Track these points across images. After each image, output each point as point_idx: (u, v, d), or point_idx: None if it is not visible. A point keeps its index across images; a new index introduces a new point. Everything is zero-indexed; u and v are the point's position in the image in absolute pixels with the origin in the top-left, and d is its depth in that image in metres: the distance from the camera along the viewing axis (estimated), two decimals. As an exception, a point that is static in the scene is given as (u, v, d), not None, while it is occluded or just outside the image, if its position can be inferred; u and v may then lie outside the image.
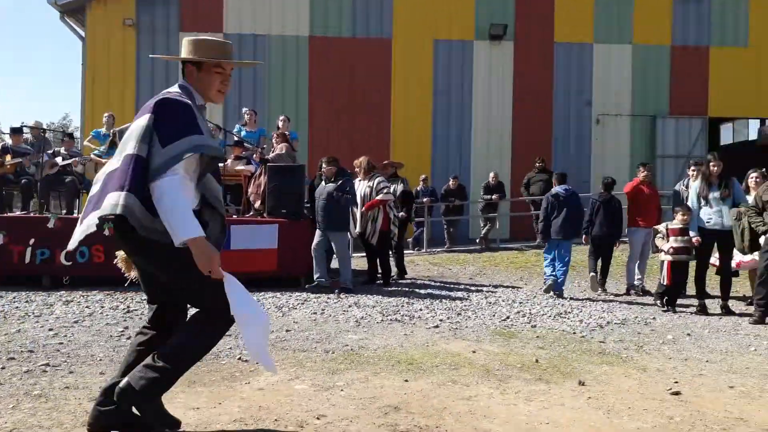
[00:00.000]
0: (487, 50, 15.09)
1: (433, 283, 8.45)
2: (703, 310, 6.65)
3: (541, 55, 15.04)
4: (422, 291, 7.67)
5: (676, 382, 3.92)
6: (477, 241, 13.10)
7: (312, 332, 5.13)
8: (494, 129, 15.12)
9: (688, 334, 5.55)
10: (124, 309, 5.97)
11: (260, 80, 14.71)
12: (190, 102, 2.64)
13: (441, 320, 5.87)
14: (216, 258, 2.51)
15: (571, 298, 7.46)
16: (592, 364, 4.36)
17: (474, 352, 4.64)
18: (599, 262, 8.08)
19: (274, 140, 8.67)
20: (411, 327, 5.54)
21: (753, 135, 20.35)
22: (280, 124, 9.64)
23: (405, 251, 9.26)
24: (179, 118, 2.57)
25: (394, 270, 8.75)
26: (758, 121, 19.17)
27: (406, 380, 3.79)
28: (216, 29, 14.45)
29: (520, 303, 7.03)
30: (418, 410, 3.25)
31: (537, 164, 13.01)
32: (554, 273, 7.66)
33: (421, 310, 6.37)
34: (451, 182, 13.10)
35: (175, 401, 3.15)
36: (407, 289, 7.85)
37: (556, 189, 8.06)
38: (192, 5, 14.60)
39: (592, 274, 7.91)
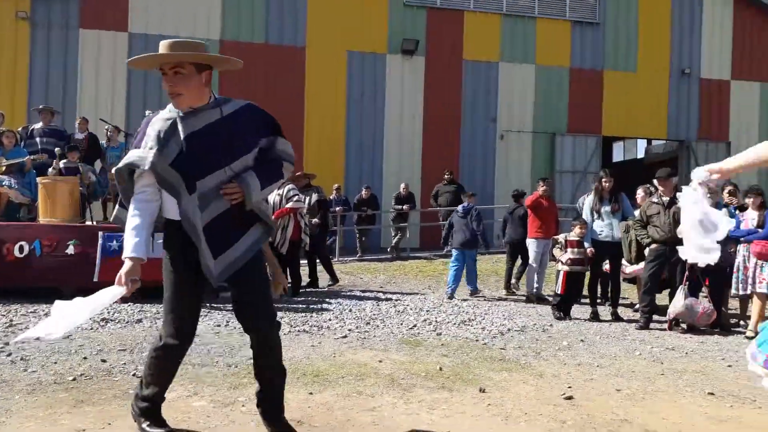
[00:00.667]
0: (399, 64, 15.39)
1: (343, 293, 8.44)
2: (595, 317, 7.08)
3: (451, 71, 15.53)
4: (332, 300, 7.63)
5: (570, 387, 4.12)
6: (388, 250, 13.26)
7: (214, 345, 4.95)
8: (406, 141, 15.42)
9: (582, 340, 5.87)
10: (5, 323, 5.50)
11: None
12: (156, 115, 2.72)
13: (350, 330, 5.87)
14: (121, 277, 2.58)
15: (479, 302, 7.70)
16: (493, 371, 4.51)
17: (380, 361, 4.67)
18: (517, 263, 9.22)
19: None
20: (319, 338, 5.49)
21: (641, 153, 22.03)
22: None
23: (318, 260, 9.25)
24: (136, 137, 2.74)
25: (305, 280, 8.69)
26: (645, 141, 20.78)
27: (311, 393, 3.75)
28: (120, 28, 13.79)
29: (427, 311, 7.16)
30: (321, 423, 3.21)
31: (446, 176, 13.37)
32: (453, 284, 8.58)
33: (330, 320, 6.33)
34: (363, 192, 13.19)
35: (59, 423, 2.93)
36: (317, 298, 7.79)
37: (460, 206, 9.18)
38: (93, 1, 13.84)
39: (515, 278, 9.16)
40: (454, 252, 8.75)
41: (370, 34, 15.16)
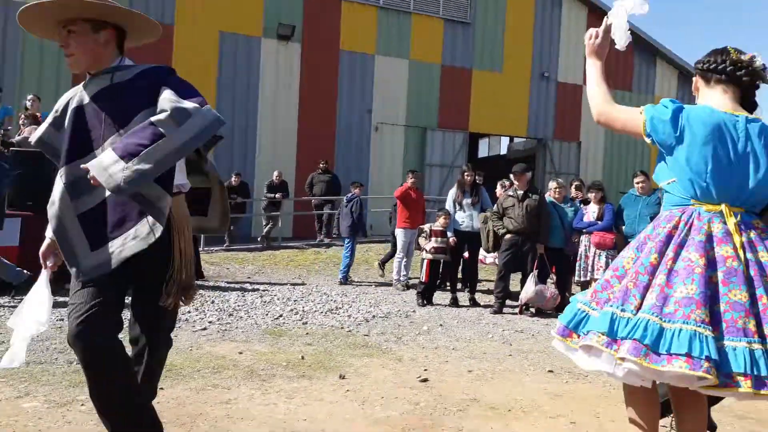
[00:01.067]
0: (274, 49, 15.05)
1: (206, 284, 8.12)
2: (455, 303, 7.43)
3: (327, 60, 15.47)
4: (195, 292, 7.31)
5: (426, 370, 4.29)
6: (259, 239, 12.97)
7: (56, 341, 4.54)
8: (280, 128, 15.14)
9: (441, 325, 6.14)
10: None
11: (13, 54, 12.73)
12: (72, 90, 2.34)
13: (210, 322, 5.66)
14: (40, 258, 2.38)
15: (347, 290, 7.77)
16: (355, 357, 4.57)
17: (241, 353, 4.56)
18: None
19: (21, 122, 7.55)
20: (175, 331, 5.22)
21: (504, 150, 23.42)
22: (29, 104, 8.42)
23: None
24: None
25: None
26: (508, 138, 22.13)
27: (161, 388, 3.53)
28: None
29: (295, 301, 7.11)
30: (170, 419, 3.06)
31: (321, 165, 13.34)
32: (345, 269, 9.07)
33: (189, 312, 6.06)
34: (233, 179, 12.76)
35: None
36: (178, 289, 7.41)
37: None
38: None
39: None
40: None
41: (245, 16, 14.66)
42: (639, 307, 2.08)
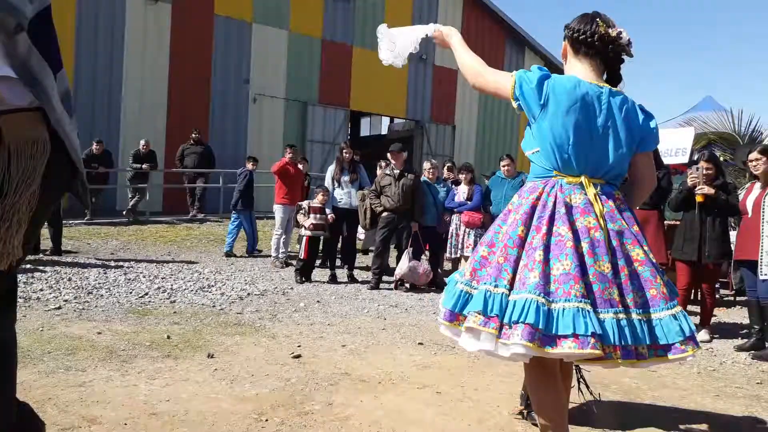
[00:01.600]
0: (141, 8, 13.96)
1: (63, 260, 7.46)
2: (333, 280, 7.46)
3: (201, 24, 14.65)
4: (48, 269, 6.69)
5: (299, 346, 4.27)
6: (124, 213, 12.11)
7: None
8: (148, 93, 14.14)
9: (318, 301, 6.14)
10: None
11: None
12: None
13: (66, 300, 5.22)
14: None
15: (221, 268, 7.50)
16: (226, 336, 4.44)
17: (99, 333, 4.24)
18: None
19: None
20: (24, 310, 4.76)
21: (385, 130, 23.77)
22: None
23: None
24: None
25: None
26: (389, 118, 22.47)
27: None
28: None
29: (163, 278, 6.75)
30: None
31: (193, 135, 12.68)
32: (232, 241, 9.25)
33: (41, 290, 5.55)
34: (94, 147, 11.75)
35: None
36: (30, 266, 6.74)
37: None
38: None
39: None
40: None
41: (109, -30, 13.45)
42: (512, 282, 2.06)
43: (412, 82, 18.42)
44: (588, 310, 1.94)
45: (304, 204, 7.71)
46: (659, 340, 2.02)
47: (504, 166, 7.65)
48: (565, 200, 2.11)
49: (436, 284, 7.51)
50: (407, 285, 7.28)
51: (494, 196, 7.47)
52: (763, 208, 4.76)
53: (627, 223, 2.13)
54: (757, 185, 4.99)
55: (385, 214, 7.24)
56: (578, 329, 1.92)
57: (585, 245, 2.04)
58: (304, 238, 7.48)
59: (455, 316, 2.17)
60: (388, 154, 7.42)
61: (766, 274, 4.64)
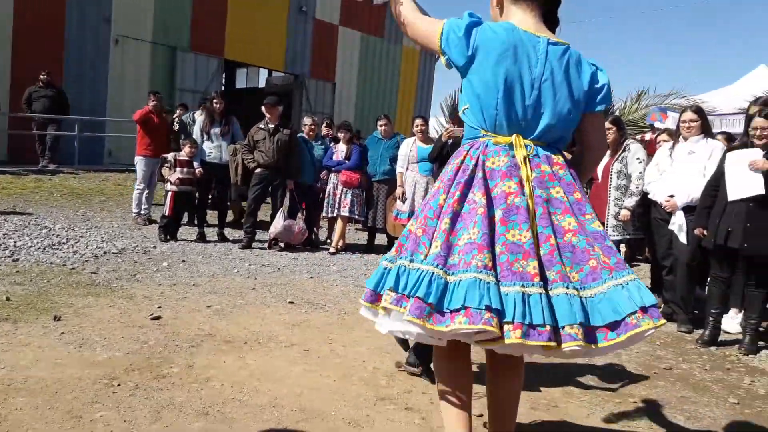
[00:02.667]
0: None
1: None
2: (202, 239, 7.12)
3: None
4: None
5: (159, 308, 4.03)
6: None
7: None
8: (-12, 27, 12.41)
9: (184, 261, 5.83)
10: None
11: None
12: None
13: None
14: None
15: (74, 224, 6.86)
16: (77, 297, 4.08)
17: None
18: None
19: None
20: None
21: (263, 84, 22.91)
22: None
23: None
24: None
25: None
26: (267, 71, 21.66)
27: None
28: None
29: (5, 234, 6.06)
30: None
31: (42, 77, 11.33)
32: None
33: None
34: None
35: None
36: None
37: None
38: None
39: None
40: None
41: None
42: (427, 255, 1.81)
43: (291, 34, 17.81)
44: (487, 282, 1.68)
45: (170, 156, 7.21)
46: (606, 319, 1.72)
47: (381, 126, 7.65)
48: (486, 163, 1.85)
49: (312, 243, 7.45)
50: (282, 244, 7.13)
51: (370, 156, 7.47)
52: (611, 175, 5.18)
53: (565, 190, 1.85)
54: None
55: (258, 170, 6.99)
56: (470, 301, 1.66)
57: (499, 212, 1.78)
58: (170, 193, 7.03)
59: (377, 297, 1.88)
60: (263, 107, 7.11)
61: (610, 236, 5.09)
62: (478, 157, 1.86)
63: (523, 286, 1.70)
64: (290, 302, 4.55)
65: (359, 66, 19.72)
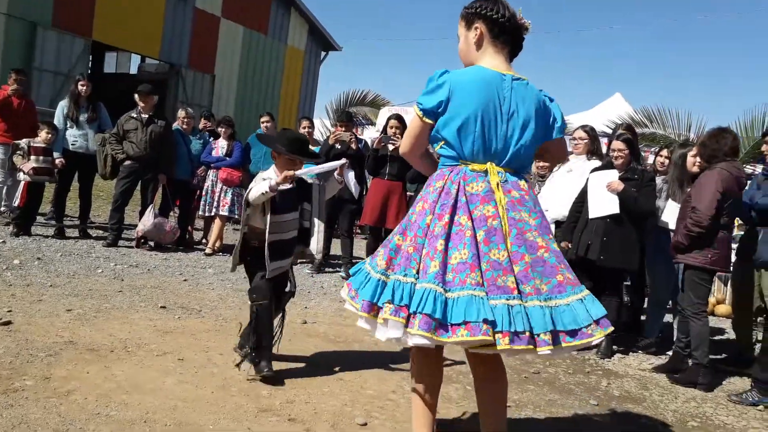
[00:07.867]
0: None
1: None
2: (60, 234, 6.48)
3: None
4: None
5: (10, 311, 3.60)
6: None
7: None
8: None
9: (39, 258, 5.28)
10: None
11: None
12: None
13: None
14: None
15: None
16: None
17: None
18: None
19: None
20: None
21: (134, 70, 21.48)
22: None
23: None
24: None
25: None
26: (139, 57, 20.35)
27: None
28: None
29: None
30: None
31: None
32: None
33: None
34: None
35: None
36: None
37: None
38: None
39: None
40: None
41: None
42: (419, 271, 2.07)
43: (169, 21, 16.85)
44: (481, 298, 1.97)
45: (23, 143, 6.46)
46: (567, 326, 2.03)
47: (264, 123, 7.44)
48: (467, 189, 2.10)
49: (185, 243, 7.06)
50: (151, 243, 6.68)
51: (254, 154, 7.25)
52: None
53: (531, 215, 2.12)
54: None
55: (127, 162, 6.49)
56: (470, 316, 1.95)
57: (482, 233, 2.05)
58: (23, 183, 6.33)
59: (372, 307, 2.13)
60: (136, 96, 6.62)
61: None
62: (459, 182, 2.11)
63: (507, 299, 1.98)
64: (162, 307, 4.26)
65: (241, 60, 19.12)
